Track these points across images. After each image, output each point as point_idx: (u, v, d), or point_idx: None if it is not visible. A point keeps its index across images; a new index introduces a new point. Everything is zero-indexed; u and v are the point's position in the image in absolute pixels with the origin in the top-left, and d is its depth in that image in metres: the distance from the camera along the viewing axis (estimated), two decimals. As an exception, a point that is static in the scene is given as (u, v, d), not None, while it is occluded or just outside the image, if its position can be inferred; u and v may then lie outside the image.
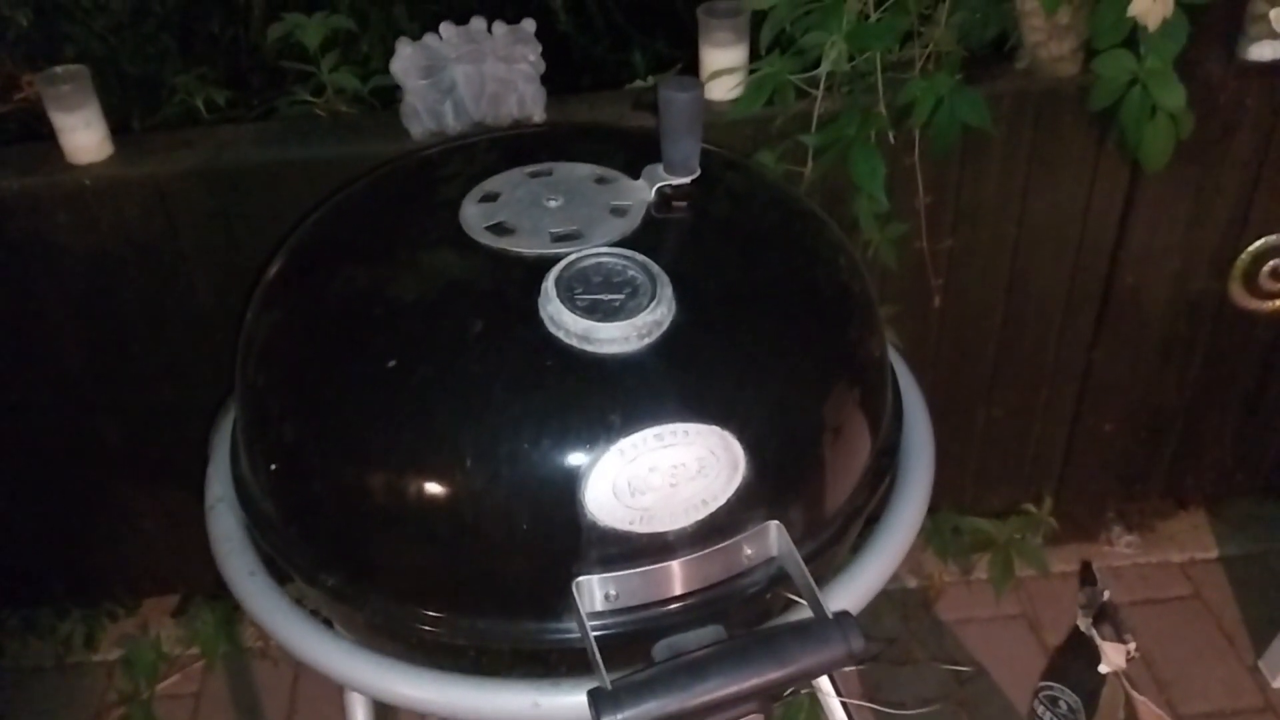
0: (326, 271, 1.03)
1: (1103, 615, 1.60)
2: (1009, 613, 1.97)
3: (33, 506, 1.85)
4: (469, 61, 1.49)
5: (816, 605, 0.87)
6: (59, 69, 1.50)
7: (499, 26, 1.49)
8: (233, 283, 1.56)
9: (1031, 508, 1.98)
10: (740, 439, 0.87)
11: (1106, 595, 1.61)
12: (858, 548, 1.05)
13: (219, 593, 1.39)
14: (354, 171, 1.23)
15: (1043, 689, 1.73)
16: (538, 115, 1.55)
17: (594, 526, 0.86)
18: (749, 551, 0.92)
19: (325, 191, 1.20)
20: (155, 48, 2.11)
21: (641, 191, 1.03)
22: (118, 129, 1.56)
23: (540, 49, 1.51)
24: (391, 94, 1.56)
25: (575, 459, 0.85)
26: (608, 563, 0.87)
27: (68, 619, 2.00)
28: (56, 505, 1.85)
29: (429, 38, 1.48)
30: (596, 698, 0.79)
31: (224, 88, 1.82)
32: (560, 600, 0.88)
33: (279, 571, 1.04)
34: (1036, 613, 1.97)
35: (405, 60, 1.47)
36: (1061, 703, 1.69)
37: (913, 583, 2.03)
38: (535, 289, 0.90)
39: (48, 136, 1.52)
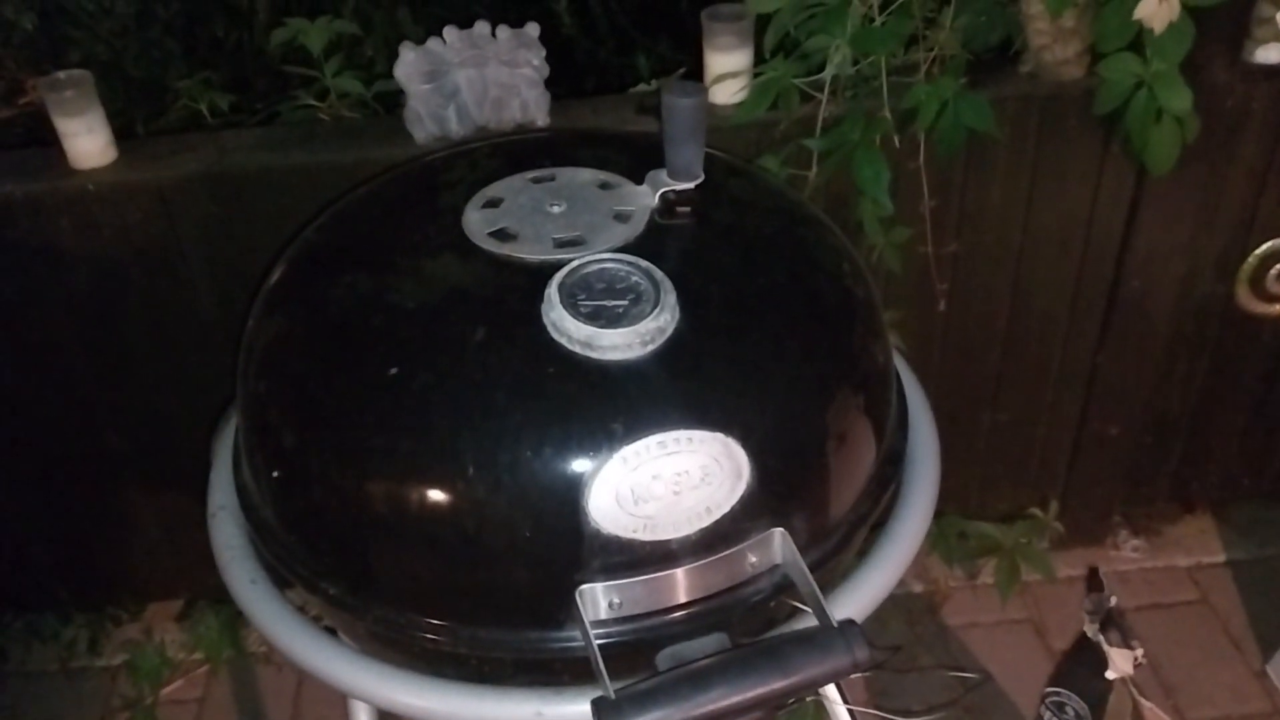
0: (328, 277, 1.02)
1: (1109, 621, 1.59)
2: (1015, 618, 1.96)
3: (36, 511, 1.85)
4: (472, 66, 1.49)
5: (821, 613, 0.87)
6: (62, 74, 1.50)
7: (502, 30, 1.49)
8: (235, 288, 1.56)
9: (1037, 512, 1.97)
10: (744, 446, 0.87)
11: (1113, 601, 1.60)
12: (863, 554, 1.04)
13: (223, 597, 1.39)
14: (357, 176, 1.23)
15: (1049, 695, 1.72)
16: (541, 120, 1.54)
17: (597, 535, 0.85)
18: (753, 559, 0.91)
19: (328, 196, 1.19)
20: (159, 52, 2.11)
21: (645, 197, 1.03)
22: (122, 133, 1.56)
23: (544, 53, 1.50)
24: (395, 98, 1.56)
25: (578, 467, 0.84)
26: (611, 571, 0.87)
27: (71, 624, 2.00)
28: (60, 510, 1.85)
29: (432, 42, 1.48)
30: (600, 707, 0.78)
31: (228, 92, 1.82)
32: (563, 609, 0.87)
33: (281, 579, 1.04)
34: (1043, 618, 1.96)
35: (408, 65, 1.47)
36: (1068, 709, 1.68)
37: (918, 588, 2.02)
38: (538, 295, 0.89)
39: (51, 141, 1.52)
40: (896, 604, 1.98)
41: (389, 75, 1.50)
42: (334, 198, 1.16)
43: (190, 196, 1.52)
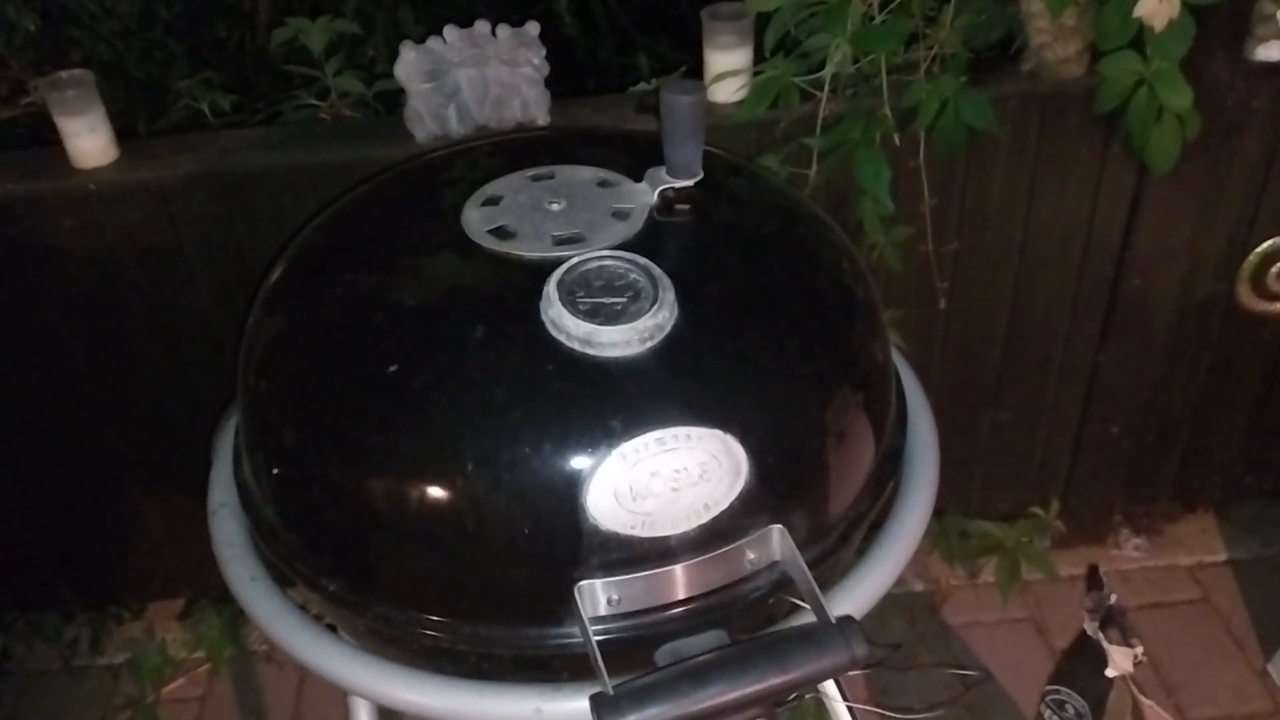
0: (328, 276, 1.03)
1: (1109, 619, 1.59)
2: (1016, 616, 1.96)
3: (38, 510, 1.85)
4: (473, 65, 1.49)
5: (820, 610, 0.87)
6: (64, 74, 1.50)
7: (503, 30, 1.49)
8: (236, 287, 1.57)
9: (1038, 511, 1.97)
10: (743, 443, 0.87)
11: (1113, 599, 1.60)
12: (862, 552, 1.04)
13: (224, 596, 1.39)
14: (358, 176, 1.23)
15: (1050, 693, 1.72)
16: (542, 119, 1.54)
17: (596, 531, 0.85)
18: (752, 556, 0.92)
19: (329, 196, 1.20)
20: (161, 53, 2.11)
21: (644, 195, 1.03)
22: (124, 133, 1.56)
23: (544, 52, 1.50)
24: (396, 98, 1.56)
25: (577, 464, 0.84)
26: (610, 568, 0.87)
27: (74, 623, 2.00)
28: (62, 509, 1.85)
29: (433, 41, 1.48)
30: (599, 703, 0.79)
31: (229, 92, 1.82)
32: (562, 605, 0.88)
33: (282, 577, 1.04)
34: (1044, 616, 1.96)
35: (409, 64, 1.47)
36: (1068, 707, 1.68)
37: (919, 587, 2.02)
38: (537, 293, 0.90)
39: (54, 141, 1.52)
40: (897, 603, 1.98)
41: (390, 75, 1.51)
42: (334, 196, 1.17)
43: (191, 196, 1.52)
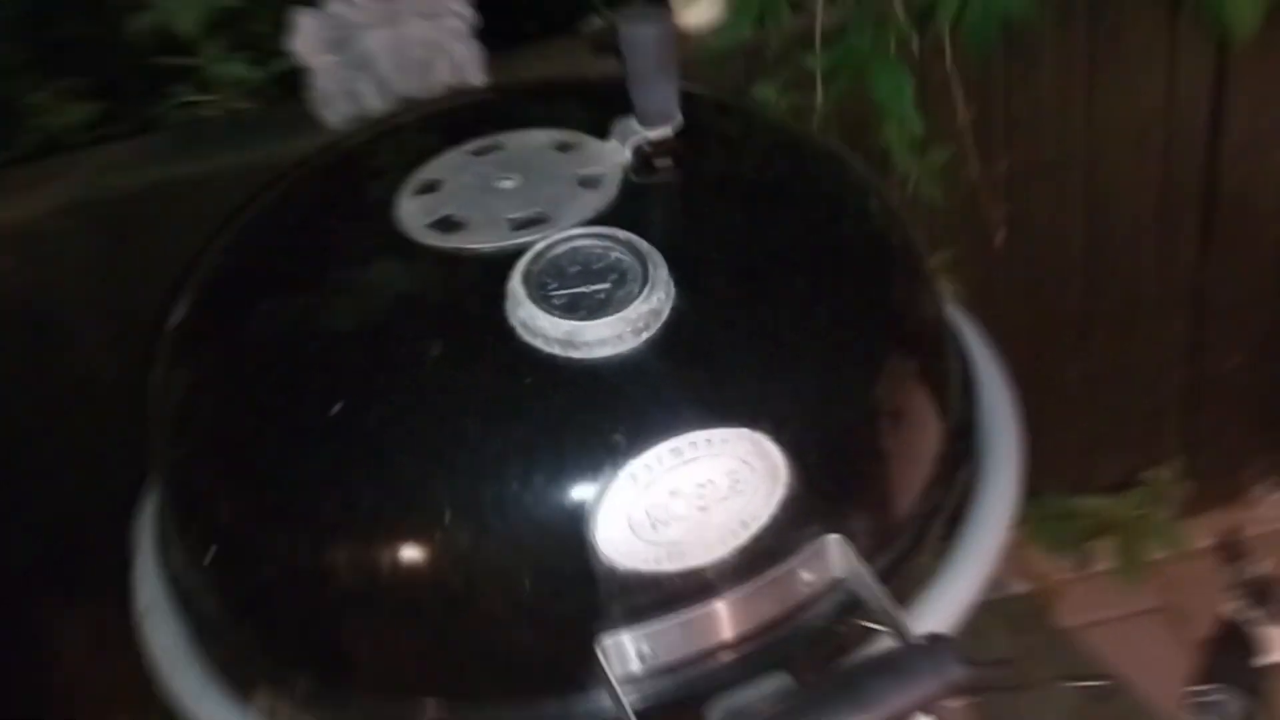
0: (244, 306, 1.03)
1: (1257, 595, 1.60)
2: (1144, 607, 1.97)
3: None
4: (385, 25, 1.49)
5: (900, 630, 0.87)
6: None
7: (415, -22, 1.50)
8: (132, 336, 1.56)
9: (1154, 475, 1.97)
10: (777, 441, 0.87)
11: (1259, 570, 1.61)
12: (941, 554, 1.05)
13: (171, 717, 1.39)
14: (262, 179, 1.24)
15: (1194, 695, 1.72)
16: (476, 79, 1.55)
17: (613, 573, 0.86)
18: (808, 577, 0.92)
19: (230, 209, 1.20)
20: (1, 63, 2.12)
21: (614, 154, 1.03)
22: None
23: (469, -2, 1.51)
24: (296, 79, 1.57)
25: (578, 494, 0.85)
26: (636, 615, 0.87)
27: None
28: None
29: (333, 4, 1.49)
30: (645, 782, 0.79)
31: (92, 100, 1.82)
32: (585, 668, 0.88)
33: (238, 682, 1.04)
34: (1180, 602, 1.97)
35: (307, 35, 1.48)
36: (1219, 708, 1.68)
37: (1020, 587, 2.03)
38: (501, 291, 0.90)
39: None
40: (995, 609, 1.97)
41: (285, 52, 1.51)
42: (237, 208, 1.17)
43: (60, 233, 1.52)
